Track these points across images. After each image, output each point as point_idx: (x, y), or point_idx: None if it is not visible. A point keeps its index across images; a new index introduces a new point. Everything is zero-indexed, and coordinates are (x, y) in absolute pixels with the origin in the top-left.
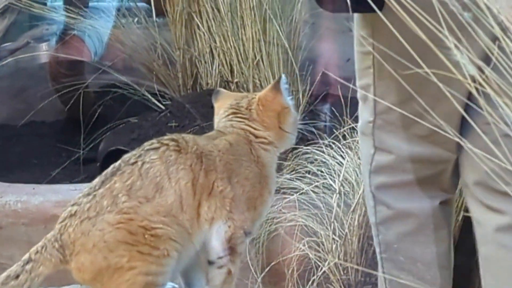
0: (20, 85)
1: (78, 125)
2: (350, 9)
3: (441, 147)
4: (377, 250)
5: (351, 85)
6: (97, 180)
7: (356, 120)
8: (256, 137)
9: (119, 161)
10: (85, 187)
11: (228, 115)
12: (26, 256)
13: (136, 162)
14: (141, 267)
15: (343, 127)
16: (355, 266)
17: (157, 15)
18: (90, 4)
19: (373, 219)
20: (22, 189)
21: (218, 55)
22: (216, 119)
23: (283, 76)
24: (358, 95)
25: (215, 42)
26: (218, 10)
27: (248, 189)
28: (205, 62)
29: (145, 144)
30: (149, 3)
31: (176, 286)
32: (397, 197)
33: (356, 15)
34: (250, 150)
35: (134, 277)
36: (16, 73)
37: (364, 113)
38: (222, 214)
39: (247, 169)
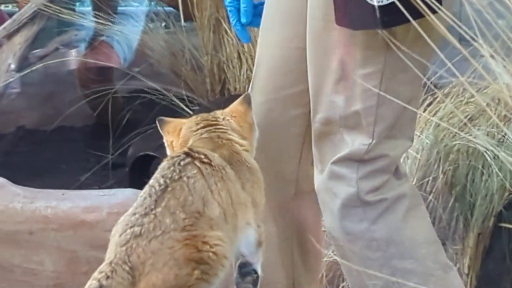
0: (49, 91)
1: (107, 131)
2: (380, 24)
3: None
4: (375, 255)
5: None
6: (147, 200)
7: None
8: (240, 145)
9: (159, 179)
10: (113, 192)
11: (205, 126)
12: (93, 284)
13: (181, 177)
14: (197, 285)
15: None
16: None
17: (185, 20)
18: (119, 9)
19: (364, 225)
20: (51, 195)
21: (246, 60)
22: (181, 133)
23: (249, 93)
24: (346, 123)
25: (243, 47)
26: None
27: (256, 194)
28: (233, 67)
29: (172, 159)
30: (177, 8)
31: None
32: (390, 187)
33: (361, 33)
34: (243, 159)
35: None
36: (45, 79)
37: (356, 140)
38: (250, 220)
39: (249, 176)
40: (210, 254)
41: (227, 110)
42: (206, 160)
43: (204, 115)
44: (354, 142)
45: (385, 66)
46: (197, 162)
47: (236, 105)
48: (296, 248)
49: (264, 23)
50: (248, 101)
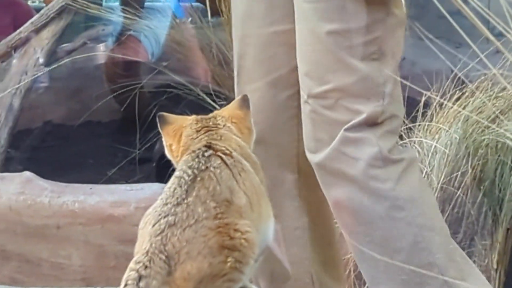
0: (77, 86)
1: (134, 125)
2: None
3: None
4: (401, 214)
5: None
6: (178, 190)
7: (413, 120)
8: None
9: (187, 170)
10: (141, 187)
11: (206, 132)
12: (132, 274)
13: (207, 167)
14: (231, 273)
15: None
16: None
17: (212, 15)
18: (146, 4)
19: (388, 184)
20: (79, 189)
21: None
22: (182, 139)
23: (247, 95)
24: (354, 91)
25: None
26: None
27: (266, 185)
28: None
29: (194, 152)
30: (204, 3)
31: None
32: (403, 149)
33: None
34: (249, 154)
35: (225, 284)
36: (73, 73)
37: (368, 104)
38: (270, 213)
39: (257, 172)
40: (242, 241)
41: (225, 113)
42: (227, 152)
43: (204, 121)
44: (367, 106)
45: (384, 31)
46: (219, 153)
47: (234, 108)
48: (309, 238)
49: (238, 17)
50: (247, 104)
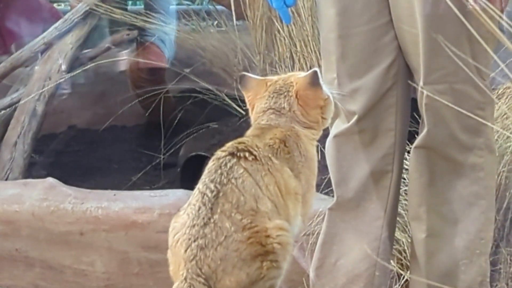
0: (101, 90)
1: (159, 130)
2: None
3: None
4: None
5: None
6: (202, 209)
7: None
8: (304, 135)
9: (209, 184)
10: (165, 193)
11: (270, 114)
12: None
13: (229, 180)
14: (269, 273)
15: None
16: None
17: (237, 19)
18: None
19: None
20: (103, 195)
21: (299, 60)
22: (253, 113)
23: (317, 70)
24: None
25: (295, 46)
26: (299, 15)
27: (303, 183)
28: (286, 67)
29: (218, 161)
30: (229, 7)
31: None
32: None
33: None
34: (299, 144)
35: (267, 283)
36: (97, 78)
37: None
38: (298, 211)
39: (299, 164)
40: (275, 245)
41: (294, 93)
42: (250, 158)
43: (274, 99)
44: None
45: None
46: (242, 162)
47: (304, 88)
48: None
49: (331, 19)
50: (317, 81)
